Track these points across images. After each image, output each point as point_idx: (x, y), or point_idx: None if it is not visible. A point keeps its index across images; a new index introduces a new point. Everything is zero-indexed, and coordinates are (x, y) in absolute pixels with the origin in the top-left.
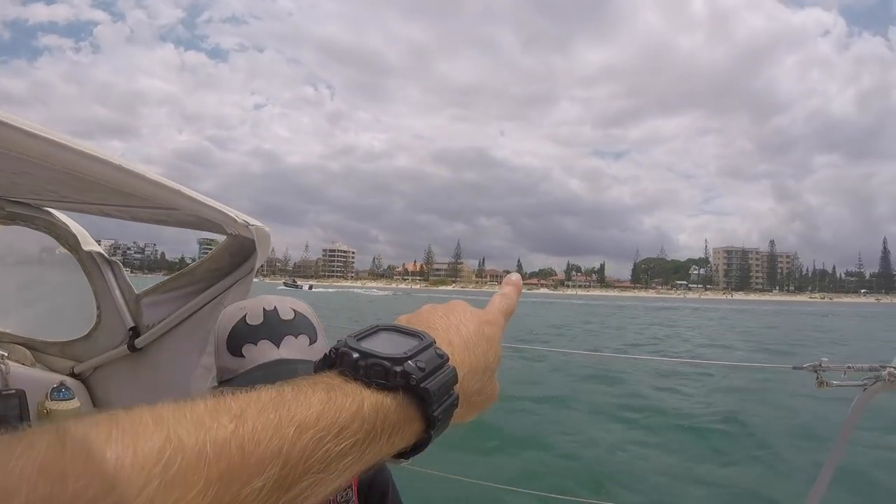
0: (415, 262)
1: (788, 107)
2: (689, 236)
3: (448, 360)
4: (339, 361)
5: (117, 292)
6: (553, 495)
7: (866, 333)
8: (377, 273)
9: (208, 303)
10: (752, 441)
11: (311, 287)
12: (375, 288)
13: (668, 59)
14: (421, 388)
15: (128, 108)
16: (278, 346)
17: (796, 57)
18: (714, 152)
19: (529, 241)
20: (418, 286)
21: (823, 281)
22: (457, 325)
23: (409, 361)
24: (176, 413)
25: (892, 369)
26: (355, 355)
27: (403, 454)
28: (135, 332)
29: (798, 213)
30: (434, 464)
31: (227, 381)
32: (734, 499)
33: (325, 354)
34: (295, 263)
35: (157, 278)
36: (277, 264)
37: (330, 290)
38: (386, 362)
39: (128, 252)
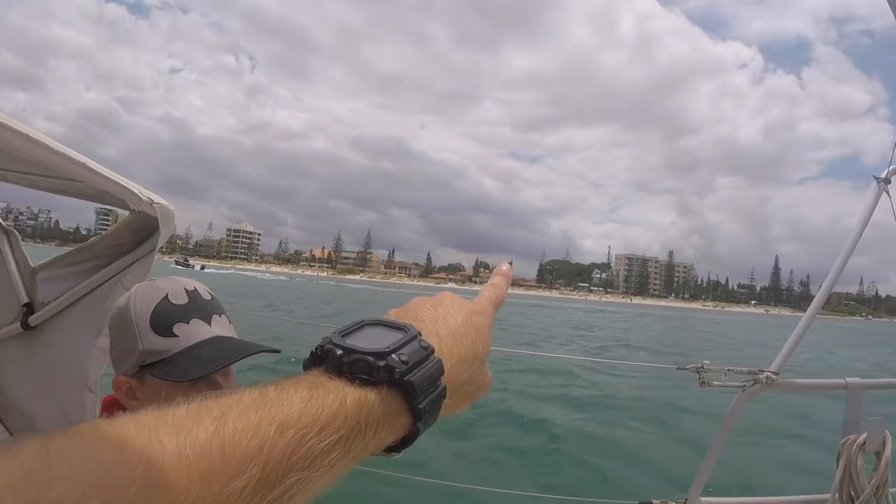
0: (323, 248)
1: (699, 129)
2: (594, 242)
3: (433, 351)
4: (324, 358)
5: (13, 265)
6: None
7: (755, 340)
8: (283, 258)
9: (107, 281)
10: (649, 434)
11: (202, 268)
12: (276, 273)
13: (591, 73)
14: (405, 381)
15: (36, 58)
16: (210, 324)
17: (712, 85)
18: (624, 165)
19: (440, 235)
20: (325, 273)
21: (717, 291)
22: (444, 317)
23: (393, 355)
24: (158, 418)
25: (769, 373)
26: (339, 352)
27: (395, 448)
28: (29, 308)
29: (697, 228)
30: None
31: (160, 361)
32: (634, 484)
33: (312, 352)
34: (197, 242)
35: (51, 249)
36: (178, 242)
37: (223, 271)
38: (369, 357)
39: (20, 217)
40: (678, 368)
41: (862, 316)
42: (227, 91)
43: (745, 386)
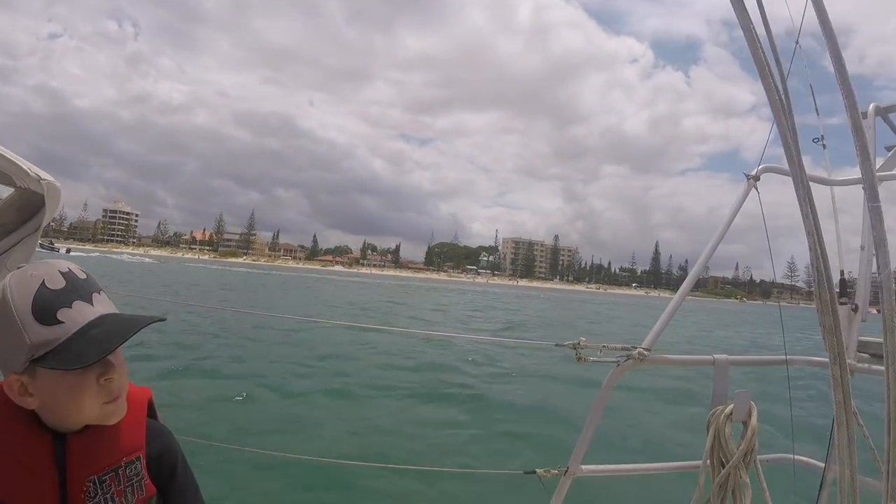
0: (204, 230)
1: (587, 119)
2: (482, 225)
3: None
4: None
5: None
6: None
7: (635, 319)
8: (162, 240)
9: None
10: (533, 408)
11: (68, 251)
12: (154, 257)
13: (485, 59)
14: None
15: None
16: (92, 303)
17: (603, 77)
18: (514, 151)
19: (327, 217)
20: (206, 256)
21: (600, 274)
22: None
23: None
24: None
25: (642, 349)
26: None
27: None
28: None
29: (582, 214)
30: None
31: (52, 351)
32: (519, 455)
33: None
34: (71, 224)
35: None
36: (52, 224)
37: (91, 255)
38: None
39: None
40: (556, 345)
41: (737, 298)
42: (108, 59)
43: (618, 361)
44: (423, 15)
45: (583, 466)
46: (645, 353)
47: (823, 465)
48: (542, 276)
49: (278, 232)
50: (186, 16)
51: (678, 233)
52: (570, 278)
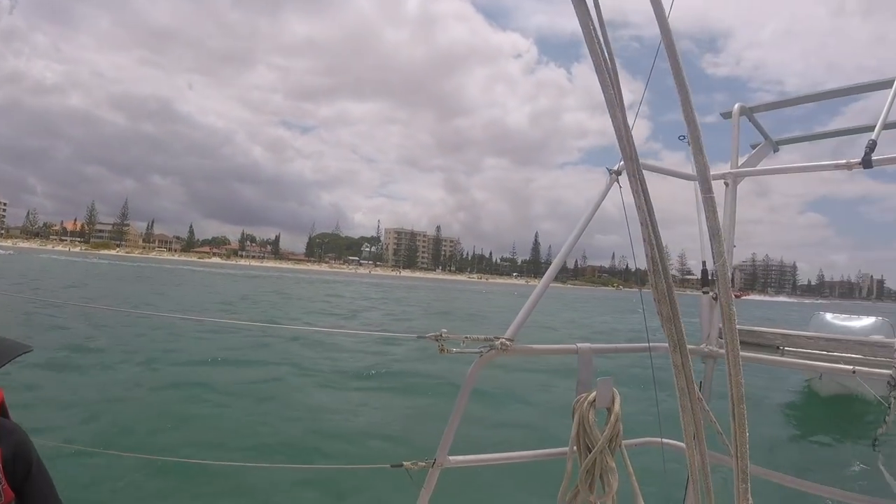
0: (75, 220)
1: (471, 112)
2: (364, 216)
3: None
4: None
5: None
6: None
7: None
8: (31, 231)
9: None
10: (403, 400)
11: None
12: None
13: (371, 47)
14: None
15: None
16: None
17: (487, 71)
18: (397, 141)
19: (204, 206)
20: (78, 248)
21: (481, 264)
22: None
23: None
24: None
25: (504, 340)
26: None
27: None
28: None
29: (464, 205)
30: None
31: None
32: (386, 449)
33: None
34: None
35: None
36: None
37: None
38: None
39: None
40: (419, 337)
41: (614, 286)
42: None
43: (481, 352)
44: (311, 0)
45: (450, 457)
46: (507, 343)
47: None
48: (425, 266)
49: (153, 222)
50: None
51: (557, 224)
52: (453, 268)
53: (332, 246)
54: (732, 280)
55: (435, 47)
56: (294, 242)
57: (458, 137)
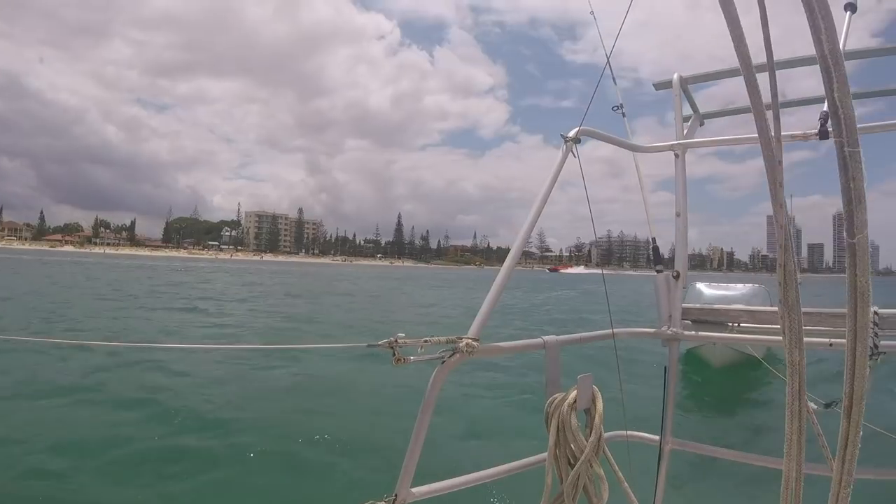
0: None
1: (332, 92)
2: (223, 198)
3: None
4: None
5: None
6: None
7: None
8: None
9: None
10: (349, 427)
11: None
12: None
13: (232, 23)
14: None
15: None
16: None
17: (349, 51)
18: (256, 121)
19: (56, 190)
20: None
21: (345, 246)
22: None
23: None
24: None
25: (469, 340)
26: None
27: None
28: None
29: (326, 187)
30: None
31: None
32: (336, 489)
33: None
34: None
35: None
36: None
37: None
38: None
39: None
40: (369, 346)
41: (476, 265)
42: None
43: (443, 357)
44: None
45: (413, 490)
46: (473, 343)
47: (658, 437)
48: (288, 249)
49: (1, 208)
50: None
51: (419, 205)
52: (316, 251)
53: (190, 231)
54: (589, 256)
55: (298, 25)
56: (151, 228)
57: (320, 118)
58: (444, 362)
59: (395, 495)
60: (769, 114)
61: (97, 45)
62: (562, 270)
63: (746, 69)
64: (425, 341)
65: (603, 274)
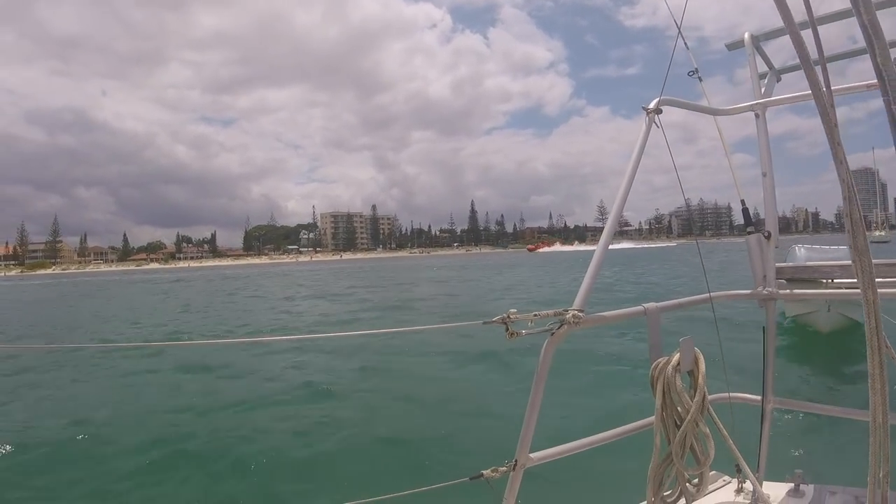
0: (7, 243)
1: (391, 87)
2: (297, 203)
3: None
4: None
5: None
6: None
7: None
8: None
9: None
10: (463, 400)
11: None
12: None
13: (283, 32)
14: None
15: None
16: None
17: (403, 44)
18: (320, 124)
19: (135, 213)
20: (14, 272)
21: (421, 238)
22: None
23: None
24: None
25: (575, 311)
26: None
27: None
28: None
29: (396, 181)
30: None
31: None
32: (460, 460)
33: None
34: None
35: None
36: None
37: None
38: None
39: None
40: (484, 323)
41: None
42: None
43: (552, 329)
44: None
45: (532, 455)
46: (579, 315)
47: (761, 398)
48: (365, 246)
49: (86, 235)
50: None
51: (491, 190)
52: (393, 246)
53: (269, 237)
54: (669, 227)
55: (348, 25)
56: (231, 238)
57: (382, 114)
58: (553, 334)
59: (515, 461)
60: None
61: (154, 71)
62: (541, 249)
63: (819, 21)
64: (535, 315)
65: (697, 242)
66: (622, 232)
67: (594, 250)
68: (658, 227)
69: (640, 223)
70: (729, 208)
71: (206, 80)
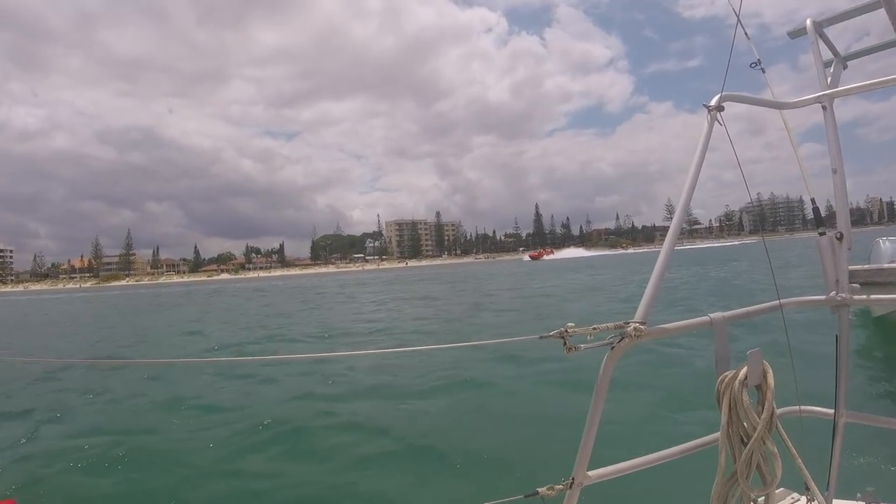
0: (82, 256)
1: (450, 93)
2: (361, 212)
3: None
4: None
5: None
6: None
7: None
8: (40, 273)
9: None
10: (514, 411)
11: None
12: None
13: (341, 45)
14: None
15: None
16: None
17: (460, 50)
18: (382, 134)
19: (205, 225)
20: (89, 284)
21: (486, 243)
22: None
23: None
24: None
25: (636, 324)
26: None
27: None
28: None
29: (459, 187)
30: None
31: None
32: (514, 476)
33: None
34: None
35: None
36: None
37: None
38: None
39: None
40: (541, 337)
41: (622, 247)
42: None
43: (612, 343)
44: (273, 7)
45: (589, 473)
46: (641, 327)
47: (833, 411)
48: (430, 253)
49: (158, 248)
50: (31, 36)
51: (555, 192)
52: (458, 252)
53: (335, 246)
54: (740, 223)
55: (404, 35)
56: (298, 248)
57: (442, 121)
58: (613, 348)
59: (573, 479)
60: None
61: (218, 88)
62: (546, 257)
63: (888, 3)
64: (594, 328)
65: (764, 240)
66: (692, 231)
67: (605, 255)
68: (729, 225)
69: (710, 221)
70: (801, 202)
71: (268, 95)
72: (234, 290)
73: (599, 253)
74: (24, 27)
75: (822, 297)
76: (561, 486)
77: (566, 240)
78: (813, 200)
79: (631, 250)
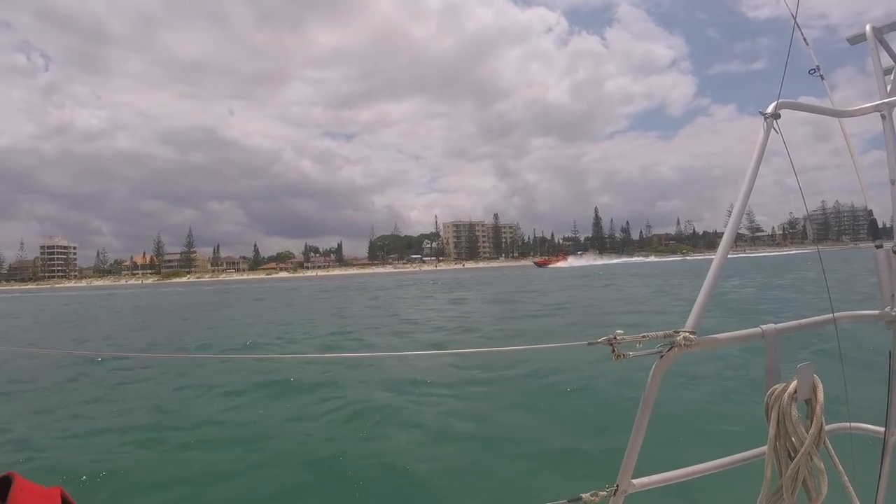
0: (144, 253)
1: (510, 94)
2: (419, 213)
3: None
4: None
5: None
6: None
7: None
8: (103, 269)
9: None
10: (562, 422)
11: None
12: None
13: (399, 46)
14: None
15: None
16: None
17: (520, 50)
18: (440, 135)
19: (264, 224)
20: (150, 280)
21: (543, 246)
22: None
23: None
24: None
25: (687, 333)
26: None
27: None
28: None
29: (517, 189)
30: None
31: None
32: (559, 481)
33: None
34: (10, 265)
35: None
36: None
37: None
38: None
39: None
40: (589, 344)
41: (682, 253)
42: (22, 94)
43: (661, 352)
44: (331, 9)
45: (634, 481)
46: (691, 336)
47: (883, 429)
48: (487, 255)
49: (218, 246)
50: (94, 39)
51: (615, 196)
52: (516, 254)
53: (393, 247)
54: (804, 231)
55: (463, 35)
56: (356, 248)
57: (502, 122)
58: (662, 357)
59: (617, 486)
60: None
61: (278, 89)
62: (553, 265)
63: None
64: (643, 337)
65: (819, 251)
66: (754, 238)
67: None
68: (792, 233)
69: (773, 228)
70: (867, 211)
71: (327, 96)
72: (307, 287)
73: (619, 261)
74: (85, 31)
75: (877, 312)
76: (605, 493)
77: (625, 244)
78: (871, 212)
79: (691, 257)
